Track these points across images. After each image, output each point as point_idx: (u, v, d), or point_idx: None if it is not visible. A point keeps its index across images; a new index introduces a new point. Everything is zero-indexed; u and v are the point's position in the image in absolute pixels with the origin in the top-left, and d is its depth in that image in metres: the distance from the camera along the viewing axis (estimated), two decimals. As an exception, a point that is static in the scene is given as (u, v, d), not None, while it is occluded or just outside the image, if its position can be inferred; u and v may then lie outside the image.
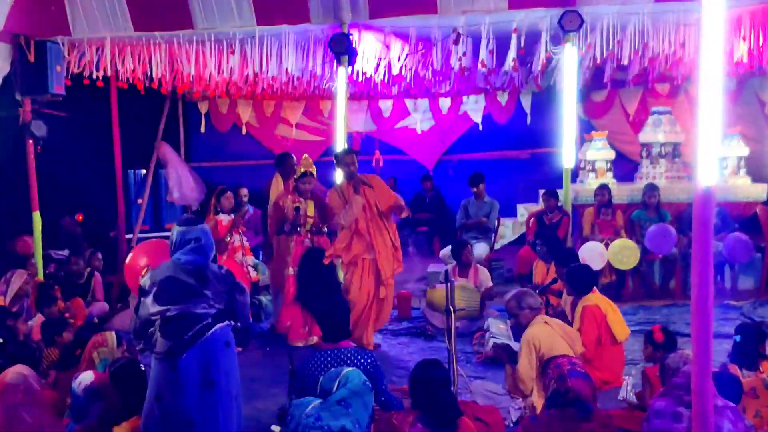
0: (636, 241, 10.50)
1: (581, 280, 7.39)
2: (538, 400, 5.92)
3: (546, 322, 6.20)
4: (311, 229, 8.73)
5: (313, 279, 8.36)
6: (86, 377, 4.80)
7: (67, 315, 8.07)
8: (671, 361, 4.80)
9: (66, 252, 10.81)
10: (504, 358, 6.26)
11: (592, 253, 9.76)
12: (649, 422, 4.38)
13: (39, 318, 7.64)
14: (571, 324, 7.05)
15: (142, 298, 4.88)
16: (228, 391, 4.91)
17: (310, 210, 8.75)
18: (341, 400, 4.63)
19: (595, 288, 7.43)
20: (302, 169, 8.66)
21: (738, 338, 5.93)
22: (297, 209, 8.64)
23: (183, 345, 4.72)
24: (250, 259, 9.18)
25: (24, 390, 4.16)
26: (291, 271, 8.69)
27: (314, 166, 8.75)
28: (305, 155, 8.98)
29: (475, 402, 6.22)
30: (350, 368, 4.91)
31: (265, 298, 9.74)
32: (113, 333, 5.85)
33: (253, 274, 9.11)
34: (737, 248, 10.33)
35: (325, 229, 8.82)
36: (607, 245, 10.21)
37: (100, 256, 10.14)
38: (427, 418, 4.52)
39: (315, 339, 8.54)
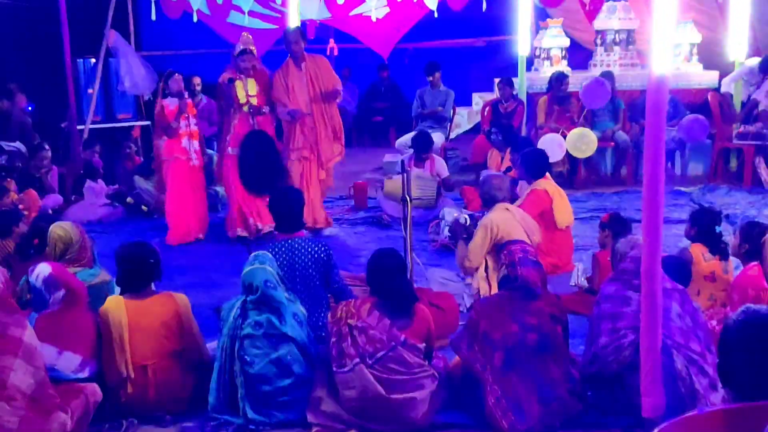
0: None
1: (535, 164, 7.47)
2: (494, 286, 6.06)
3: (507, 209, 6.33)
4: (250, 109, 8.32)
5: (256, 162, 8.24)
6: (43, 269, 4.77)
7: (21, 207, 7.99)
8: (620, 246, 4.90)
9: (17, 144, 10.62)
10: (460, 235, 6.38)
11: (551, 145, 9.79)
12: (598, 306, 4.50)
13: (-8, 210, 7.55)
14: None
15: None
16: None
17: (252, 88, 8.36)
18: (262, 298, 4.70)
19: (547, 174, 7.52)
20: (241, 47, 8.31)
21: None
22: (230, 80, 8.25)
23: None
24: (196, 144, 8.64)
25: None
26: (230, 150, 8.37)
27: (253, 44, 8.47)
28: (244, 33, 8.75)
29: (431, 289, 6.35)
30: (253, 267, 4.84)
31: (221, 189, 9.64)
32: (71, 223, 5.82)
33: (196, 162, 8.57)
34: (694, 128, 10.43)
35: (266, 110, 8.45)
36: (564, 135, 10.27)
37: (47, 146, 9.95)
38: (384, 304, 4.60)
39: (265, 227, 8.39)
